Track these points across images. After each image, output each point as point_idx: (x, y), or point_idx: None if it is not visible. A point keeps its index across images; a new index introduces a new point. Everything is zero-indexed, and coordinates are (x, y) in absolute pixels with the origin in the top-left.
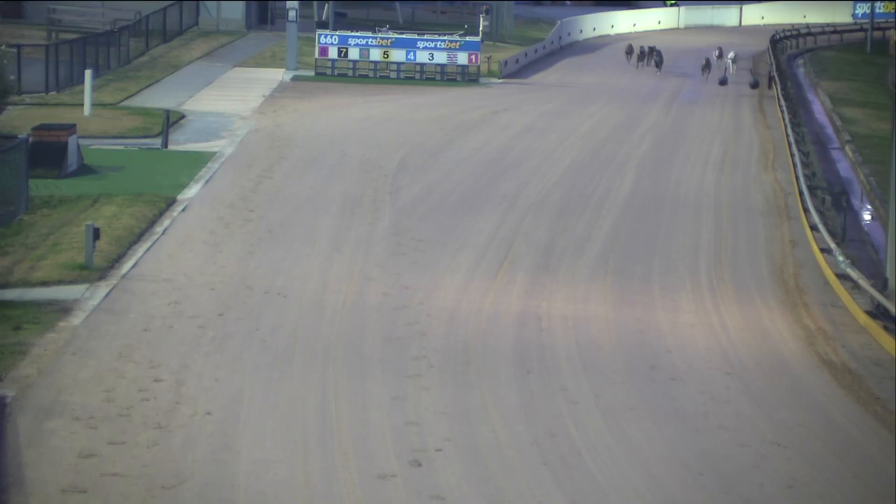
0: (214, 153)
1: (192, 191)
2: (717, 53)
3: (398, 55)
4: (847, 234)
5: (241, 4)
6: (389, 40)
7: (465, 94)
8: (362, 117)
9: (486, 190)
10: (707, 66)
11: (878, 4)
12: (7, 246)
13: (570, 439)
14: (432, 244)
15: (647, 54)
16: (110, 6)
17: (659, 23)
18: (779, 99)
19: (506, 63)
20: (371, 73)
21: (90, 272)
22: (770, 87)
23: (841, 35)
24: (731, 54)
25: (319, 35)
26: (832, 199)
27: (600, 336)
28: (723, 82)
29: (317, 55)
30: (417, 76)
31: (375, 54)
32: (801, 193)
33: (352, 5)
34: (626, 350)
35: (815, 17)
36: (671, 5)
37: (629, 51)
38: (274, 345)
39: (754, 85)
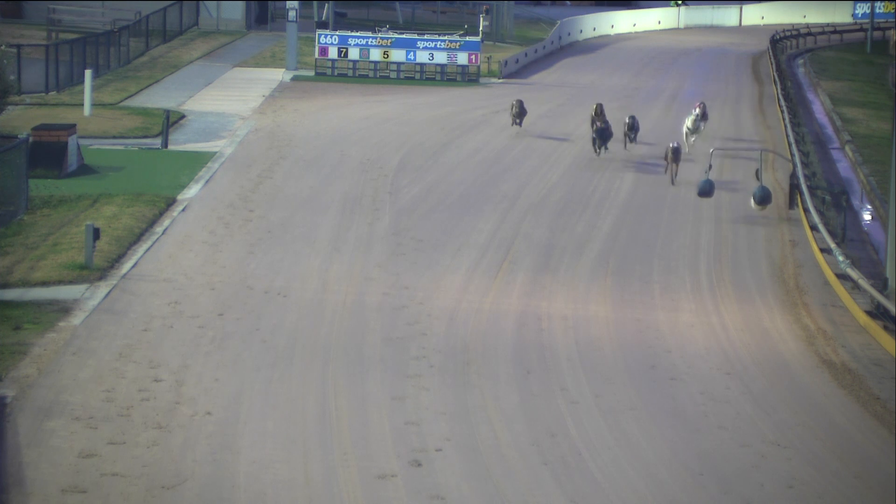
0: (214, 153)
1: (192, 191)
2: (697, 112)
3: (398, 55)
4: (847, 234)
5: (241, 4)
6: (389, 40)
7: (465, 94)
8: (362, 117)
9: (486, 190)
10: (675, 155)
11: (878, 4)
12: (7, 246)
13: (570, 439)
14: (432, 244)
15: (595, 117)
16: (110, 6)
17: (659, 23)
18: (779, 99)
19: (506, 63)
20: (371, 73)
21: (90, 272)
22: (793, 201)
23: (841, 35)
24: (692, 115)
25: (319, 35)
26: (832, 199)
27: (600, 336)
28: (704, 192)
29: (317, 55)
30: (417, 76)
31: (375, 54)
32: (801, 193)
33: (352, 5)
34: (626, 350)
35: (815, 17)
36: (677, 5)
37: (518, 113)
38: (274, 345)
39: (762, 198)
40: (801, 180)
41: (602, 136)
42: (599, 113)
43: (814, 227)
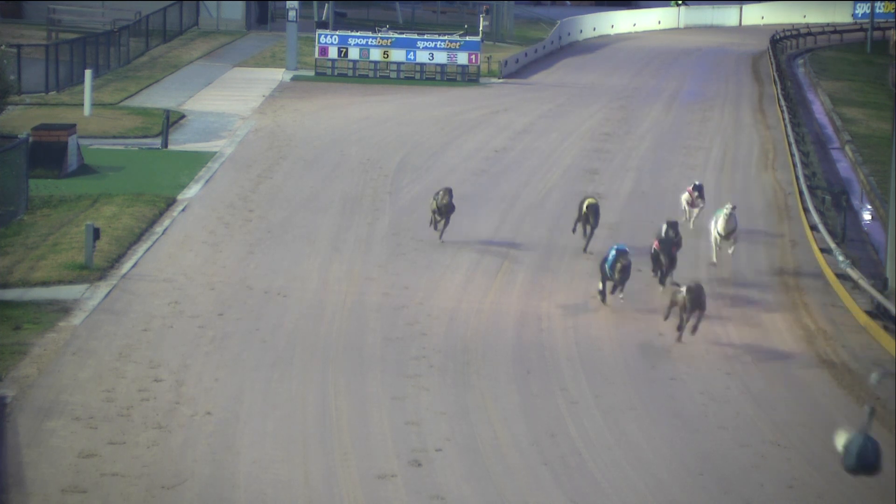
0: (214, 153)
1: (192, 191)
2: (691, 196)
3: (398, 55)
4: (847, 234)
5: (241, 4)
6: (389, 40)
7: (465, 94)
8: (362, 117)
9: (485, 190)
10: (695, 303)
11: (878, 4)
12: (7, 246)
13: (570, 439)
14: (432, 244)
15: (582, 218)
16: (110, 6)
17: (659, 23)
18: (779, 99)
19: (506, 63)
20: (371, 73)
21: (90, 272)
22: None
23: (841, 35)
24: (723, 211)
25: (319, 35)
26: (832, 199)
27: (600, 336)
28: (867, 465)
29: (317, 55)
30: (417, 76)
31: (375, 54)
32: (801, 193)
33: (352, 5)
34: (626, 350)
35: (815, 17)
36: (677, 5)
37: (440, 210)
38: (274, 345)
39: (862, 462)
40: None
41: (623, 269)
42: (594, 213)
43: (814, 227)
